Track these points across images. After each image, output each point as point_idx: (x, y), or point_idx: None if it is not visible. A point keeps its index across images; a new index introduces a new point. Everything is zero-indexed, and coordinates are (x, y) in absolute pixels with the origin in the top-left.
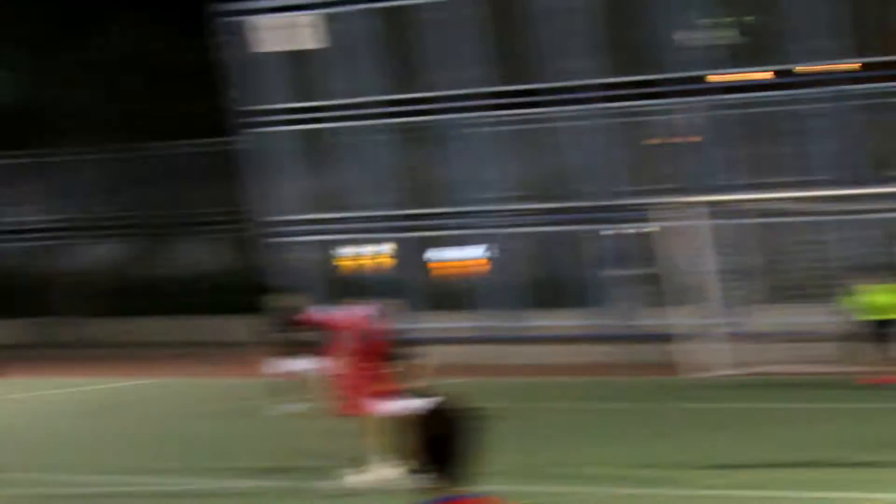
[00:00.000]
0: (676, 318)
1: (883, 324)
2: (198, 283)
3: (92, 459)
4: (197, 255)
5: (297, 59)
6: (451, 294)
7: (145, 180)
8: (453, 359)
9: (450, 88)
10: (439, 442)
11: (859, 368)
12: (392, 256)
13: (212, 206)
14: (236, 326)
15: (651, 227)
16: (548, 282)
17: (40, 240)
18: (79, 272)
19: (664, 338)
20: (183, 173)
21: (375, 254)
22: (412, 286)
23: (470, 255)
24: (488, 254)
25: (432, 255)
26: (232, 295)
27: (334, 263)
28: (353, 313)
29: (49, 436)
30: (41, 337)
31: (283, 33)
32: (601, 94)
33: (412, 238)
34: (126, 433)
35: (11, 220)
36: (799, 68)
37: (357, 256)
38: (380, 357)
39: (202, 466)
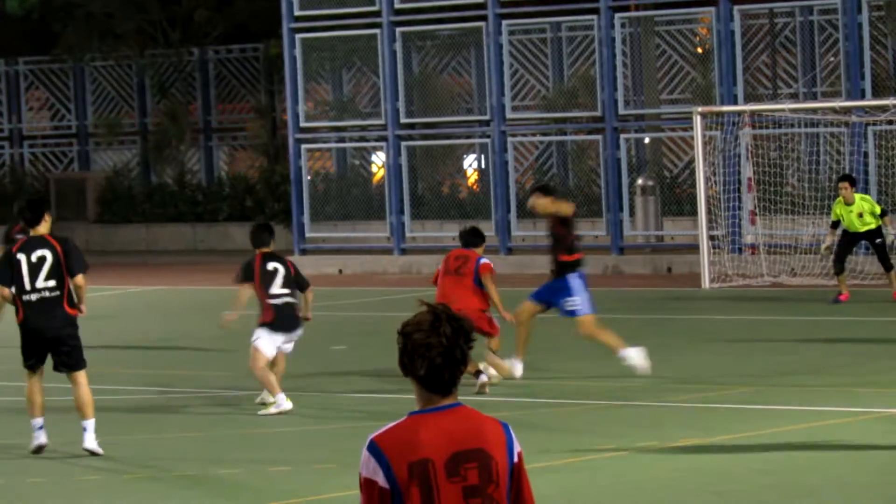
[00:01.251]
0: (686, 230)
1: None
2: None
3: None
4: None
5: None
6: (467, 204)
7: (168, 87)
8: None
9: None
10: (424, 350)
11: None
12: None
13: (233, 114)
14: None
15: (665, 137)
16: (563, 192)
17: (48, 146)
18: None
19: (677, 248)
20: (208, 80)
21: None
22: (418, 197)
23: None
24: (503, 162)
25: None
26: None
27: (359, 173)
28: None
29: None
30: None
31: None
32: (618, 3)
33: (426, 147)
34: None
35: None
36: None
37: (379, 166)
38: None
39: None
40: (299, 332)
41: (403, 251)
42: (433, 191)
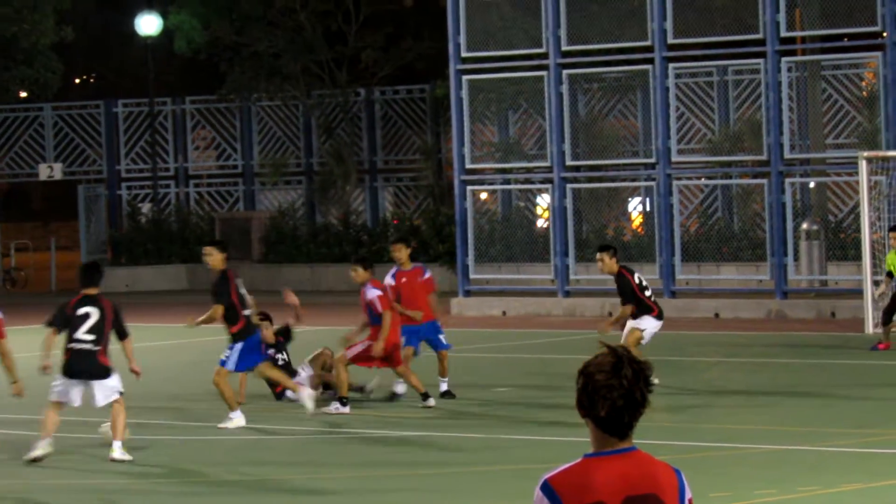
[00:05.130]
0: (851, 274)
1: None
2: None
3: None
4: (382, 203)
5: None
6: (631, 247)
7: (334, 127)
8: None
9: (638, 40)
10: (606, 391)
11: None
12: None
13: (399, 154)
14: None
15: (830, 181)
16: (727, 236)
17: (214, 186)
18: (252, 218)
19: (841, 293)
20: (374, 121)
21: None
22: (583, 239)
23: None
24: (674, 205)
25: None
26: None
27: (524, 214)
28: None
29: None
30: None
31: None
32: (785, 47)
33: (591, 189)
34: None
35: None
36: None
37: (544, 208)
38: None
39: None
40: (101, 380)
41: (567, 293)
42: (598, 233)
